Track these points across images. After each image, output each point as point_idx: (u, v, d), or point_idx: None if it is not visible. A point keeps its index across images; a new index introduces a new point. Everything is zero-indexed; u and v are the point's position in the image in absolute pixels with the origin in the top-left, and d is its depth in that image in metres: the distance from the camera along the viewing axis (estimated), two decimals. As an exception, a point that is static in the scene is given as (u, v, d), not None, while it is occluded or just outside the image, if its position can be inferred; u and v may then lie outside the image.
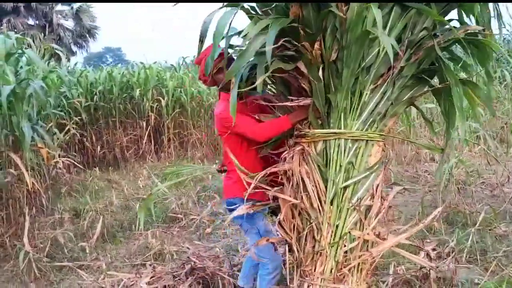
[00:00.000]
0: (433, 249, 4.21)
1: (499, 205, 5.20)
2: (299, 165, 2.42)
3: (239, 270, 3.88)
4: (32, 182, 5.40)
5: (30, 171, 5.68)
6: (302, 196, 2.40)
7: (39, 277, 4.18)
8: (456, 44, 2.44)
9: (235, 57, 2.44)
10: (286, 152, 2.51)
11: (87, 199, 5.88)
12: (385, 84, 2.33)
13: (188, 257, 4.01)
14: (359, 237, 2.37)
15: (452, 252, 4.05)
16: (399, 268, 3.74)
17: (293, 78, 2.38)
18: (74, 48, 25.44)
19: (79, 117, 8.61)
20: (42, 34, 20.78)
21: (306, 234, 2.43)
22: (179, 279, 3.62)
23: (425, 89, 2.49)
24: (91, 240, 4.81)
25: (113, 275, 3.92)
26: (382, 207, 2.42)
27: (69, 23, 24.08)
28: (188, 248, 4.51)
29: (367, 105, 2.36)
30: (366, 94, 2.33)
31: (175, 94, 9.81)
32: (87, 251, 4.64)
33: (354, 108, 2.34)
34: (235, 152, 2.71)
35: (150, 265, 4.25)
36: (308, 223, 2.42)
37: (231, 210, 2.75)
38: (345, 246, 2.38)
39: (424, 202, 5.28)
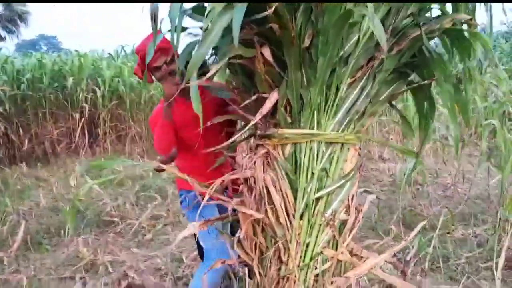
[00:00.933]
0: (394, 255, 3.97)
1: (454, 206, 5.05)
2: (263, 172, 2.02)
3: (184, 284, 3.43)
4: None
5: None
6: (266, 209, 2.00)
7: None
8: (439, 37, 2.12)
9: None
10: (246, 155, 2.10)
11: (8, 200, 5.17)
12: (365, 77, 1.98)
13: (124, 271, 3.50)
14: (332, 257, 2.00)
15: (414, 258, 3.81)
16: (361, 280, 3.42)
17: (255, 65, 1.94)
18: (3, 34, 23.90)
19: (3, 108, 7.76)
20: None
21: (271, 255, 2.03)
22: (114, 299, 3.11)
23: (406, 85, 2.16)
24: (10, 249, 4.17)
25: (34, 294, 3.34)
26: (356, 221, 2.07)
27: (-3, 6, 22.54)
28: (124, 261, 3.98)
29: (344, 102, 1.98)
30: (343, 89, 1.96)
31: (112, 85, 9.15)
32: (5, 262, 4.02)
33: (329, 105, 1.96)
34: (181, 155, 2.56)
35: (80, 278, 3.71)
36: (273, 242, 2.03)
37: (181, 202, 2.76)
38: (316, 268, 2.00)
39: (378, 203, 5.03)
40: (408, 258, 3.85)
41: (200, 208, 2.35)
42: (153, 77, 2.48)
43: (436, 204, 5.07)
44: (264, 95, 1.95)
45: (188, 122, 2.47)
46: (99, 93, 8.91)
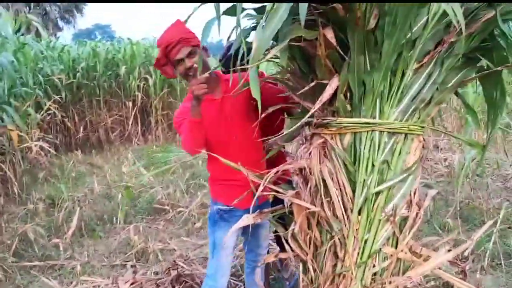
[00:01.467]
0: (449, 250, 3.79)
1: (515, 199, 4.78)
2: (319, 163, 1.89)
3: (234, 276, 3.41)
4: (0, 169, 4.87)
5: (1, 156, 5.14)
6: (322, 202, 1.88)
7: (3, 279, 3.65)
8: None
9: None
10: (303, 146, 1.99)
11: (63, 187, 5.31)
12: (432, 63, 1.81)
13: (174, 260, 3.51)
14: (391, 255, 1.88)
15: (471, 254, 3.62)
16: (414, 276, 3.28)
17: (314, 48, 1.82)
18: (61, 24, 24.69)
19: (59, 96, 7.97)
20: (27, 8, 20.06)
21: (326, 250, 1.92)
22: (163, 288, 3.12)
23: (476, 72, 1.95)
24: (66, 235, 4.28)
25: (87, 281, 3.40)
26: (417, 217, 1.93)
27: (55, -3, 23.24)
28: (174, 249, 3.99)
29: (409, 89, 1.83)
30: (409, 75, 1.81)
31: (164, 73, 9.19)
32: (61, 248, 4.12)
33: (393, 92, 1.81)
34: (211, 156, 2.38)
35: (131, 266, 3.75)
36: (329, 237, 1.91)
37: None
38: (374, 266, 1.88)
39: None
40: (466, 254, 3.67)
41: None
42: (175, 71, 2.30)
43: (496, 197, 4.80)
44: (323, 81, 1.83)
45: (216, 119, 2.33)
46: (151, 82, 9.01)
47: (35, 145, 5.54)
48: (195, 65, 2.10)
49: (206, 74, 2.07)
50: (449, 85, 1.88)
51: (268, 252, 3.72)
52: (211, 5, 1.79)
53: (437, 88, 1.84)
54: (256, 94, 1.65)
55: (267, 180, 1.95)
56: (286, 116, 2.43)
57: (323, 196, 1.88)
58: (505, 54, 1.88)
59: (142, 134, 9.04)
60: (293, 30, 1.65)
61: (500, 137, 6.30)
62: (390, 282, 1.86)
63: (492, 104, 2.06)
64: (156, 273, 3.45)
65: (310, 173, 1.93)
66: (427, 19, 1.70)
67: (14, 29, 5.81)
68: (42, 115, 7.04)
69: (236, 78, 2.31)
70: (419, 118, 1.88)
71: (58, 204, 5.09)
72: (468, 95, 5.39)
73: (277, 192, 2.02)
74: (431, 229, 4.17)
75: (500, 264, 3.50)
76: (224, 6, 1.79)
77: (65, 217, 4.73)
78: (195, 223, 4.66)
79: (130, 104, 8.96)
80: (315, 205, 1.92)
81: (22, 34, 6.83)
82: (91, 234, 4.55)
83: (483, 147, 2.11)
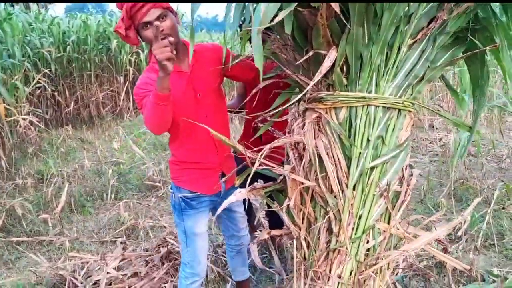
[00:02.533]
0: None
1: (510, 180, 4.76)
2: (314, 137, 1.85)
3: (223, 253, 3.36)
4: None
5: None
6: (317, 177, 1.85)
7: (-10, 255, 3.59)
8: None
9: None
10: (293, 120, 1.96)
11: (52, 162, 5.22)
12: (425, 40, 1.81)
13: (164, 237, 3.45)
14: (384, 231, 1.87)
15: (465, 235, 3.61)
16: (408, 256, 3.26)
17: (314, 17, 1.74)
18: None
19: (49, 69, 7.80)
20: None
21: (320, 226, 1.89)
22: (153, 266, 3.06)
23: (464, 50, 1.94)
24: (55, 211, 4.21)
25: (76, 257, 3.34)
26: (406, 194, 1.90)
27: (46, -31, 22.72)
28: (165, 226, 3.93)
29: (404, 65, 1.81)
30: (403, 50, 1.80)
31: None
32: (50, 224, 4.06)
33: (389, 67, 1.79)
34: (175, 137, 2.22)
35: (121, 243, 3.69)
36: (323, 212, 1.89)
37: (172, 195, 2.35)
38: (368, 242, 1.87)
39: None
40: (459, 234, 3.66)
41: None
42: (139, 38, 2.03)
43: (490, 177, 4.78)
44: (321, 51, 1.77)
45: (184, 94, 2.11)
46: (142, 56, 8.87)
47: (24, 119, 5.42)
48: (166, 32, 1.90)
49: (171, 39, 1.78)
50: (439, 63, 1.88)
51: (260, 230, 3.69)
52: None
53: (429, 66, 1.83)
54: (259, 62, 1.53)
55: (262, 155, 1.87)
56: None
57: (318, 171, 1.84)
58: (488, 35, 1.88)
59: (134, 110, 8.91)
60: None
61: (496, 117, 6.27)
62: (384, 257, 1.85)
63: (477, 84, 2.07)
64: (146, 250, 3.40)
65: (304, 148, 1.89)
66: None
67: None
68: (31, 88, 6.89)
69: (205, 49, 2.18)
70: (411, 95, 1.87)
71: (47, 179, 5.01)
72: (465, 74, 5.31)
73: (272, 167, 1.95)
74: (424, 209, 4.15)
75: (493, 244, 3.49)
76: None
77: (54, 192, 4.66)
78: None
79: (122, 79, 8.82)
80: (309, 181, 1.87)
81: (12, 5, 6.64)
82: (80, 210, 4.49)
83: (469, 128, 2.11)
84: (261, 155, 1.86)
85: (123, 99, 8.69)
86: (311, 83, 1.74)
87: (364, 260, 1.86)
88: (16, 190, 4.86)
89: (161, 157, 6.03)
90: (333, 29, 1.75)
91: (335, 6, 1.60)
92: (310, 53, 1.76)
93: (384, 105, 1.79)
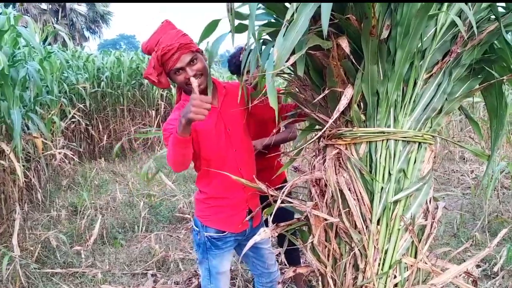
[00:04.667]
0: (478, 266, 3.69)
1: (545, 214, 4.62)
2: (335, 173, 1.87)
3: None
4: (25, 175, 4.92)
5: (26, 163, 5.19)
6: (340, 213, 1.85)
7: (26, 286, 3.67)
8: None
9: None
10: (317, 158, 1.98)
11: (86, 195, 5.33)
12: (441, 73, 1.82)
13: (195, 270, 3.47)
14: (411, 266, 1.83)
15: (501, 270, 3.51)
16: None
17: (327, 58, 1.79)
18: (87, 34, 25.12)
19: (83, 104, 8.06)
20: (55, 19, 20.46)
21: (346, 262, 1.87)
22: (183, 298, 3.08)
23: (482, 82, 1.94)
24: (88, 242, 4.29)
25: (108, 289, 3.39)
26: (432, 227, 1.88)
27: (82, 8, 23.71)
28: (196, 259, 3.95)
29: (421, 98, 1.83)
30: (420, 85, 1.82)
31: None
32: (83, 255, 4.13)
33: (406, 101, 1.81)
34: (202, 167, 2.24)
35: (152, 275, 3.72)
36: (348, 248, 1.87)
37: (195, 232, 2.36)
38: (395, 277, 1.83)
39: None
40: (495, 269, 3.57)
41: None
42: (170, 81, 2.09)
43: (525, 211, 4.66)
44: (337, 89, 1.81)
45: (215, 130, 2.14)
46: (174, 91, 9.06)
47: (59, 153, 5.58)
48: (198, 73, 1.99)
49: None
50: (457, 95, 1.88)
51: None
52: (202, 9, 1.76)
53: (446, 98, 1.84)
54: (273, 103, 1.59)
55: (284, 193, 1.87)
56: (297, 128, 2.38)
57: (340, 207, 1.85)
58: (505, 65, 1.88)
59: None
60: (310, 40, 1.63)
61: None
62: None
63: (494, 115, 2.05)
64: (177, 283, 3.43)
65: (326, 185, 1.89)
66: (435, 30, 1.73)
67: (41, 39, 5.89)
68: (67, 123, 7.12)
69: (233, 86, 2.26)
70: (431, 128, 1.87)
71: (80, 211, 5.12)
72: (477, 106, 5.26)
73: (295, 204, 1.98)
74: (458, 243, 4.07)
75: (531, 280, 3.38)
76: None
77: (87, 224, 4.76)
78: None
79: (153, 113, 9.03)
80: (332, 216, 1.88)
81: (49, 44, 6.92)
82: (112, 242, 4.56)
83: (488, 157, 2.10)
84: (283, 193, 1.88)
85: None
86: (330, 121, 1.77)
87: (393, 296, 1.83)
88: (50, 222, 4.98)
89: (191, 189, 6.10)
90: (347, 68, 1.78)
91: (346, 47, 1.64)
92: (326, 91, 1.80)
93: (404, 139, 1.80)
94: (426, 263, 1.84)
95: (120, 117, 8.96)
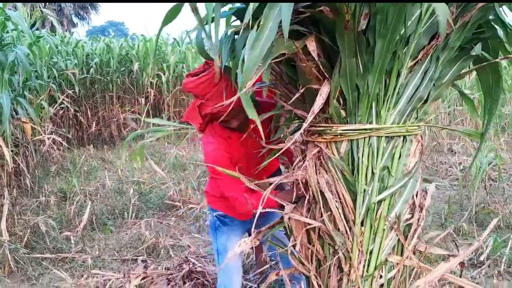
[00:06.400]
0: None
1: (532, 205, 4.69)
2: (316, 174, 1.80)
3: (245, 272, 3.37)
4: (13, 161, 4.87)
5: (15, 147, 5.14)
6: (321, 215, 1.81)
7: (15, 270, 3.67)
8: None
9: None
10: (298, 157, 1.94)
11: (75, 181, 5.31)
12: (427, 59, 1.70)
13: (186, 256, 3.48)
14: (397, 264, 1.80)
15: (488, 260, 3.57)
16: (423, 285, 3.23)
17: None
18: (76, 20, 24.84)
19: (73, 90, 7.98)
20: (43, 4, 20.16)
21: (330, 265, 1.83)
22: (175, 284, 3.09)
23: (473, 63, 1.87)
24: (77, 228, 4.28)
25: (98, 274, 3.39)
26: (420, 219, 1.84)
27: (71, -6, 23.38)
28: (189, 245, 3.96)
29: (405, 89, 1.73)
30: (404, 74, 1.69)
31: (177, 70, 9.22)
32: (72, 241, 4.12)
33: (389, 94, 1.71)
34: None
35: (142, 261, 3.73)
36: (332, 251, 1.83)
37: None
38: (381, 277, 1.79)
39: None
40: (481, 259, 3.62)
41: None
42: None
43: (512, 202, 4.74)
44: (313, 86, 1.72)
45: (244, 140, 2.21)
46: (163, 78, 9.03)
47: (48, 138, 5.54)
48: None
49: None
50: (445, 80, 1.79)
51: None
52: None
53: (434, 85, 1.75)
54: (253, 115, 1.57)
55: (268, 192, 1.86)
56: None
57: (322, 209, 1.81)
58: (499, 41, 1.79)
59: (154, 131, 9.02)
60: (275, 48, 1.54)
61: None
62: None
63: (488, 92, 1.93)
64: (167, 269, 3.44)
65: (306, 185, 1.85)
66: (420, 13, 1.59)
67: (29, 23, 5.81)
68: (56, 108, 7.06)
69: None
70: (416, 118, 1.79)
71: (69, 197, 5.11)
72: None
73: (276, 208, 1.96)
74: (446, 235, 4.11)
75: (517, 270, 3.45)
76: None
77: (76, 210, 4.76)
78: (206, 220, 4.64)
79: (143, 100, 8.99)
80: (315, 218, 1.84)
81: (37, 29, 6.84)
82: (102, 228, 4.56)
83: (481, 136, 2.00)
84: (267, 192, 1.86)
85: (144, 120, 8.82)
86: (305, 125, 1.67)
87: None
88: (39, 207, 4.97)
89: (181, 177, 6.10)
90: (322, 64, 1.67)
91: (313, 51, 1.59)
92: (301, 90, 1.73)
93: (387, 134, 1.72)
94: (413, 260, 1.80)
95: (109, 104, 8.92)
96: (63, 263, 3.84)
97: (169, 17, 1.69)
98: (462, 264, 2.13)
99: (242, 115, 2.01)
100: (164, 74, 9.05)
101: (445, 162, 6.64)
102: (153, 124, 3.90)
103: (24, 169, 5.17)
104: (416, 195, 1.83)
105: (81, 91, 8.44)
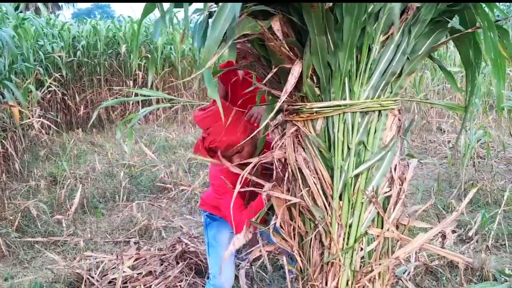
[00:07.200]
0: (453, 231, 3.80)
1: (520, 181, 4.76)
2: (294, 152, 1.84)
3: (238, 252, 3.40)
4: (1, 145, 4.84)
5: (2, 132, 5.10)
6: (301, 191, 1.83)
7: (7, 254, 3.69)
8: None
9: None
10: (277, 136, 1.96)
11: (66, 164, 5.29)
12: (399, 33, 1.69)
13: (179, 237, 3.49)
14: (378, 236, 1.82)
15: (476, 235, 3.63)
16: (420, 255, 3.29)
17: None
18: (60, 3, 24.44)
19: (60, 74, 7.89)
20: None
21: (311, 239, 1.85)
22: (168, 264, 3.11)
23: (446, 37, 1.85)
24: (68, 212, 4.27)
25: (91, 256, 3.39)
26: (401, 192, 1.86)
27: (55, -25, 22.98)
28: (181, 227, 3.98)
29: (378, 64, 1.72)
30: (376, 49, 1.69)
31: (165, 52, 9.14)
32: (64, 224, 4.12)
33: (361, 70, 1.71)
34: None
35: (134, 243, 3.74)
36: (313, 225, 1.85)
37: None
38: (361, 250, 1.82)
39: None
40: (470, 234, 3.68)
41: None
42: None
43: (500, 179, 4.80)
44: (285, 65, 1.72)
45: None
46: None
47: (37, 122, 5.49)
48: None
49: None
50: (420, 52, 1.77)
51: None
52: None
53: (408, 58, 1.74)
54: (214, 95, 1.55)
55: (246, 173, 1.89)
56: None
57: (301, 186, 1.83)
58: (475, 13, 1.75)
59: (143, 113, 8.97)
60: (239, 28, 1.52)
61: (506, 120, 6.28)
62: (379, 264, 1.81)
63: (468, 64, 1.91)
64: (160, 249, 3.46)
65: (286, 164, 1.88)
66: None
67: (13, 5, 5.71)
68: (43, 92, 6.99)
69: None
70: (391, 92, 1.78)
71: (60, 181, 5.10)
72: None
73: (254, 187, 1.97)
74: (434, 210, 4.17)
75: (504, 244, 3.54)
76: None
77: (67, 194, 4.77)
78: (197, 202, 4.65)
79: (131, 83, 8.92)
80: (295, 195, 1.86)
81: (21, 12, 6.73)
82: (93, 211, 4.56)
83: (465, 109, 1.98)
84: (245, 172, 1.90)
85: (132, 103, 8.76)
86: (279, 104, 1.69)
87: (360, 268, 1.82)
88: (29, 192, 4.96)
89: (171, 160, 6.10)
90: (292, 43, 1.69)
91: (277, 31, 1.59)
92: (274, 70, 1.73)
93: (361, 110, 1.73)
94: (393, 231, 1.81)
95: (97, 87, 8.84)
96: (55, 247, 3.85)
97: (148, 9, 1.76)
98: (444, 236, 2.16)
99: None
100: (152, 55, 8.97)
101: (434, 140, 6.70)
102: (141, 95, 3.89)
103: (12, 153, 5.14)
104: (395, 169, 1.83)
105: (69, 74, 8.35)
